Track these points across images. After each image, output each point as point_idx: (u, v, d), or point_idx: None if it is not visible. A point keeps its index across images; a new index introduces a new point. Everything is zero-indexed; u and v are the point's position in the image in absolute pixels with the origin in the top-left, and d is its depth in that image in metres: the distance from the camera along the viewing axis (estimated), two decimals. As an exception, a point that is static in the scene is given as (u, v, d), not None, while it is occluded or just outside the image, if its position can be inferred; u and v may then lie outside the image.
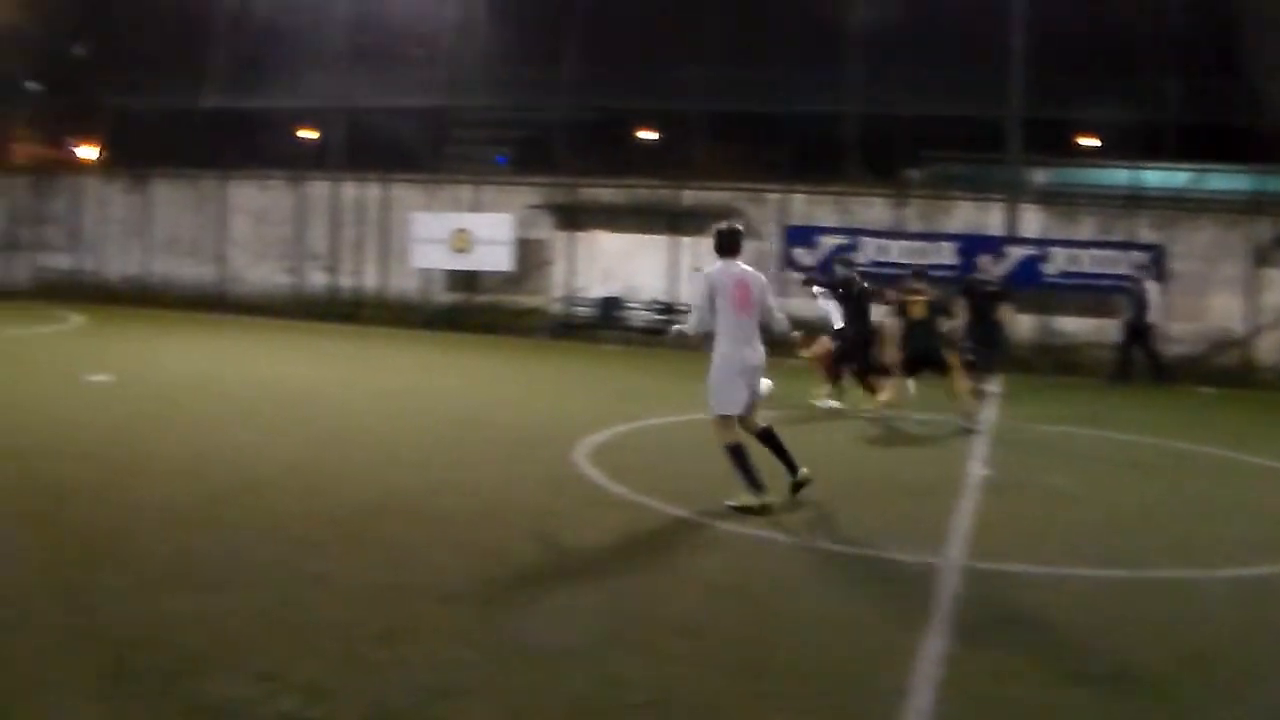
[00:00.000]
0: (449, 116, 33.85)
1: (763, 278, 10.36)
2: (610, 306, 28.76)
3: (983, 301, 19.98)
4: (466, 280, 30.34)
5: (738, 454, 9.94)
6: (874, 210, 27.99)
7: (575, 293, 29.48)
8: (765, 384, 10.44)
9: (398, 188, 31.85)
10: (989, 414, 17.31)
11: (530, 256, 29.81)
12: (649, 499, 9.96)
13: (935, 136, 29.15)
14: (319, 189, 32.40)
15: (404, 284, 31.19)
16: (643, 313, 28.51)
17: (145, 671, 5.78)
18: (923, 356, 15.73)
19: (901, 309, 15.94)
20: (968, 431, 15.21)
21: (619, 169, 31.75)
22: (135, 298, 33.06)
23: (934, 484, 11.73)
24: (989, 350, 19.72)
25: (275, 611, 6.72)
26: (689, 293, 27.38)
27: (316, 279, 32.25)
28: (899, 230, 27.21)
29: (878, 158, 28.96)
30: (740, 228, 10.42)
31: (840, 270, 18.29)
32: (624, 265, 29.06)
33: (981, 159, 29.50)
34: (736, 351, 9.94)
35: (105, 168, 37.59)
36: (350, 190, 31.96)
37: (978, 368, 19.56)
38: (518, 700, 5.68)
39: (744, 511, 9.69)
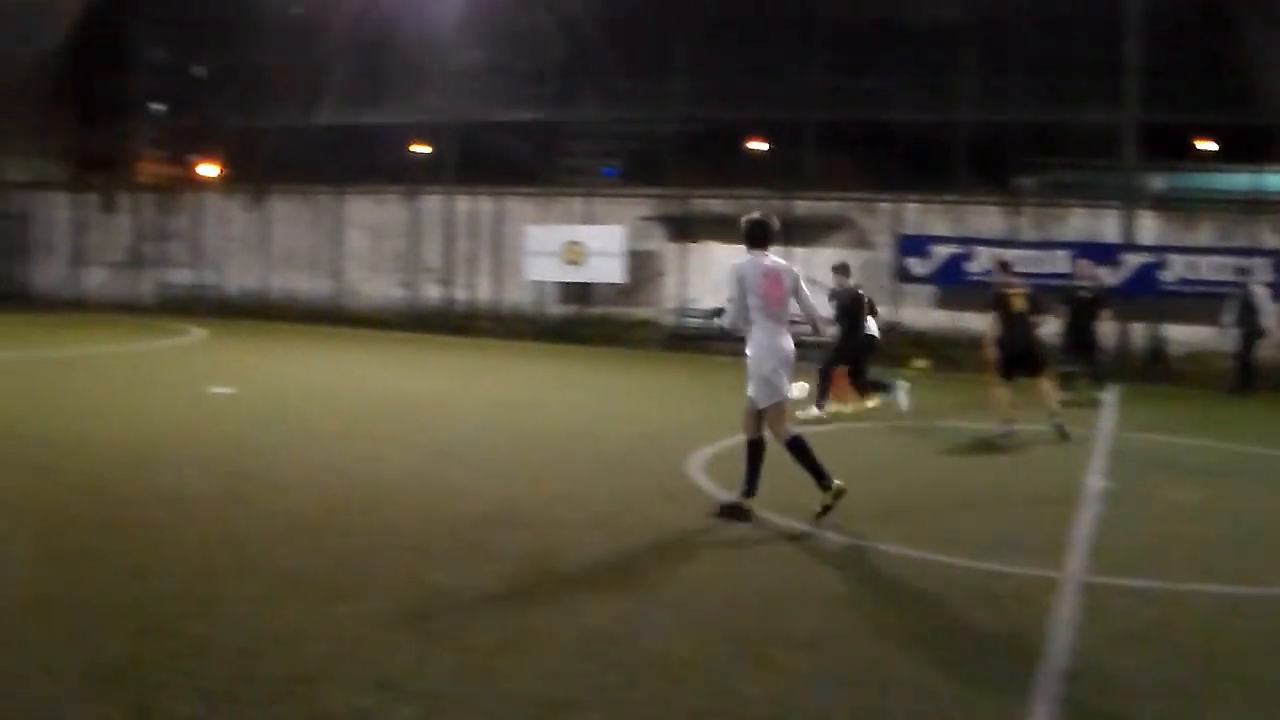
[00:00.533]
0: (560, 129, 34.00)
1: (794, 270, 10.25)
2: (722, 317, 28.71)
3: (1079, 308, 19.79)
4: (579, 292, 30.49)
5: (799, 447, 9.80)
6: (987, 219, 27.70)
7: (687, 304, 29.47)
8: (798, 386, 10.34)
9: (510, 201, 32.09)
10: (1105, 423, 17.06)
11: (642, 268, 29.87)
12: (765, 512, 9.90)
13: (1049, 143, 28.80)
14: (433, 203, 32.73)
15: (517, 296, 31.41)
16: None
17: (266, 679, 5.87)
18: (1021, 356, 15.32)
19: (1000, 302, 15.56)
20: (1062, 437, 14.97)
21: (730, 179, 31.70)
22: (255, 312, 33.61)
23: (1051, 495, 11.55)
24: (1084, 357, 19.52)
25: (394, 621, 6.78)
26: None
27: (430, 292, 32.57)
28: (1012, 239, 26.86)
29: (990, 165, 28.66)
30: (768, 219, 10.26)
31: (838, 279, 18.06)
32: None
33: (1096, 165, 29.07)
34: (772, 342, 9.87)
35: (226, 185, 38.30)
36: (463, 204, 32.25)
37: (1077, 375, 19.40)
38: (635, 712, 5.69)
39: (829, 509, 9.67)
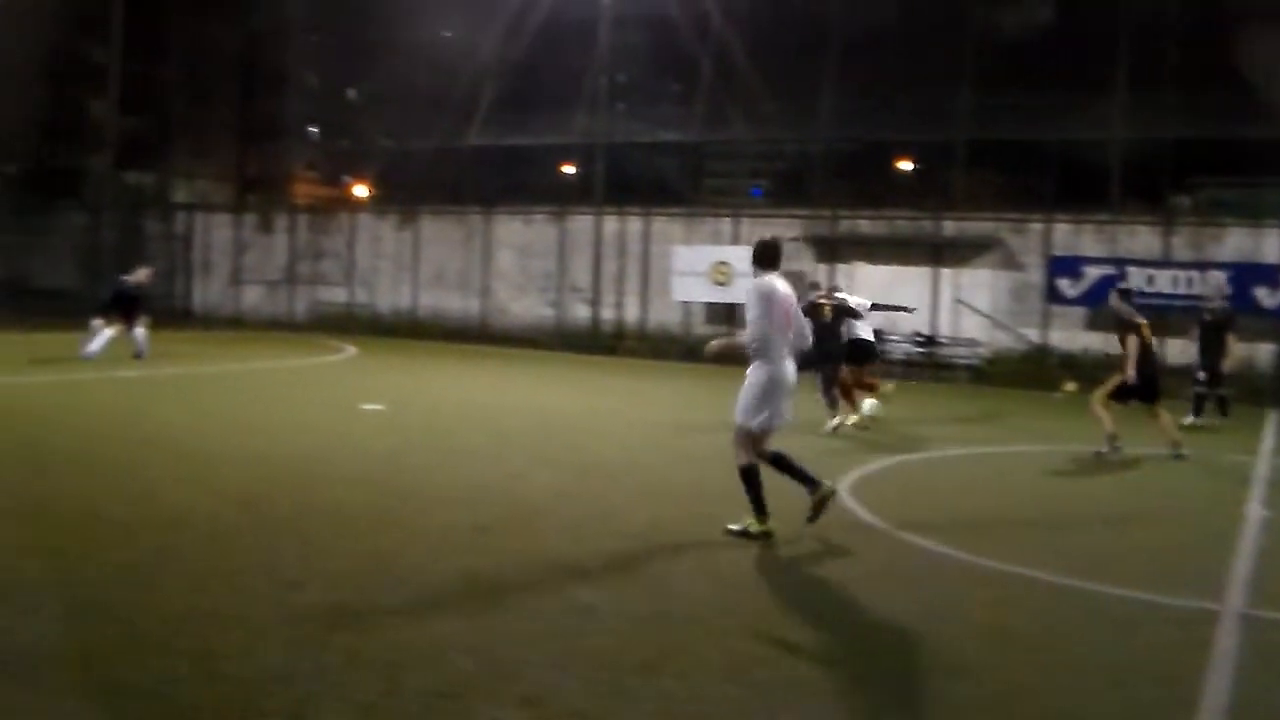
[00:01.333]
0: (707, 150, 34.06)
1: (794, 294, 9.99)
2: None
3: (1205, 330, 19.41)
4: (725, 313, 30.47)
5: (751, 475, 9.70)
6: (1140, 239, 27.12)
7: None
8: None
9: (658, 221, 32.21)
10: (1265, 449, 16.62)
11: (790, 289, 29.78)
12: (911, 535, 9.81)
13: (1204, 161, 28.19)
14: (581, 223, 32.98)
15: (664, 316, 31.49)
16: (904, 345, 28.19)
17: (414, 693, 5.94)
18: (1148, 383, 15.22)
19: (1138, 330, 15.30)
20: (1178, 458, 14.81)
21: (877, 199, 31.51)
22: (405, 330, 34.15)
23: (1209, 524, 11.28)
24: (1211, 381, 19.14)
25: (542, 638, 6.83)
26: (951, 324, 27.04)
27: (578, 312, 32.81)
28: (1166, 260, 26.29)
29: (1143, 184, 28.12)
30: (780, 241, 10.19)
31: (811, 294, 17.74)
32: (885, 297, 28.77)
33: (1255, 183, 28.37)
34: (779, 367, 9.69)
35: (377, 205, 38.99)
36: (612, 224, 32.43)
37: (1207, 399, 19.04)
38: (781, 735, 5.66)
39: (744, 536, 9.59)
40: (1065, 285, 26.49)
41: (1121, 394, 15.33)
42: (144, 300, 23.53)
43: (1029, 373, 25.76)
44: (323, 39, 43.37)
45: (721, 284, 29.41)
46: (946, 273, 28.03)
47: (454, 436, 15.10)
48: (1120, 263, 26.06)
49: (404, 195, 38.13)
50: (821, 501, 9.73)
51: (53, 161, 48.80)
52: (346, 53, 41.83)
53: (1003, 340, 27.84)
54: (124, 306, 23.02)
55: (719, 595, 7.93)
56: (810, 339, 10.36)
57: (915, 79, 28.96)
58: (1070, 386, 22.89)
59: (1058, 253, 27.29)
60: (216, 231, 40.51)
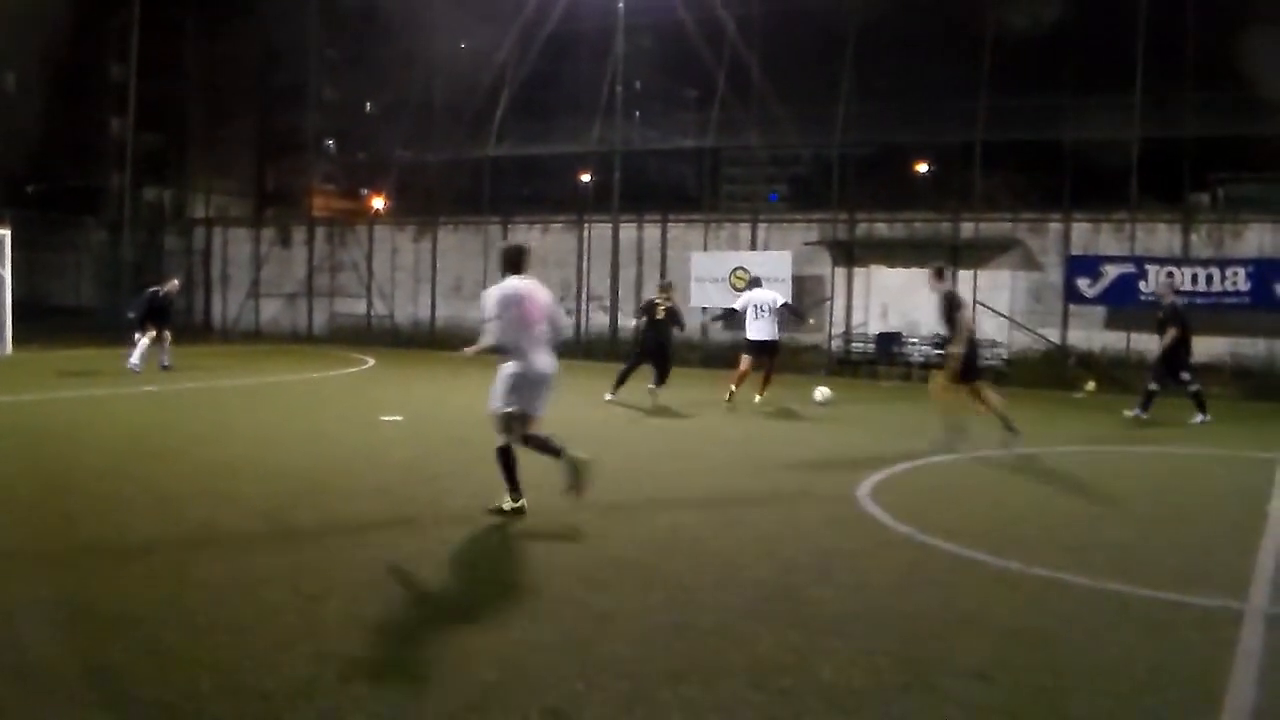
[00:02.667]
0: (723, 156, 34.05)
1: (548, 292, 11.09)
2: (889, 342, 28.48)
3: (1159, 329, 19.48)
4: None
5: (505, 456, 10.62)
6: (1159, 237, 27.04)
7: (853, 329, 29.28)
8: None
9: (675, 228, 32.23)
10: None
11: (808, 293, 29.75)
12: (935, 539, 9.77)
13: (1223, 157, 28.07)
14: (599, 231, 33.00)
15: (683, 323, 31.46)
16: (923, 348, 28.14)
17: (438, 705, 5.92)
18: (969, 362, 15.54)
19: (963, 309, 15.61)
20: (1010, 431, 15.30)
21: (896, 203, 31.49)
22: (423, 341, 34.22)
23: (1232, 522, 11.19)
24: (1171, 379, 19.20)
25: (563, 648, 6.81)
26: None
27: (597, 319, 32.81)
28: (1186, 257, 26.20)
29: (1162, 182, 28.04)
30: (526, 247, 11.34)
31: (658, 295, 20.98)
32: (902, 300, 28.76)
33: (1275, 179, 28.27)
34: (527, 362, 10.70)
35: (395, 217, 39.09)
36: (629, 231, 32.43)
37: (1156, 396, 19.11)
38: (805, 741, 5.63)
39: (500, 513, 10.38)
40: (1084, 285, 26.43)
41: (962, 377, 15.47)
42: (169, 312, 24.23)
43: (1049, 373, 25.68)
44: (340, 53, 43.53)
45: (740, 290, 29.37)
46: (965, 274, 27.96)
47: (473, 446, 15.05)
48: (1139, 261, 25.98)
49: (421, 206, 38.26)
50: (574, 472, 10.50)
51: (72, 179, 49.09)
52: (363, 66, 41.99)
53: (1022, 341, 27.78)
54: (156, 317, 24.12)
55: (742, 602, 7.89)
56: (564, 331, 11.50)
57: (931, 81, 28.93)
58: (1090, 386, 22.87)
59: (1076, 252, 27.24)
60: (235, 246, 40.67)
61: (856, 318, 29.44)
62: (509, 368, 10.73)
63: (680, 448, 15.47)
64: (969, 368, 15.44)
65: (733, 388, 20.45)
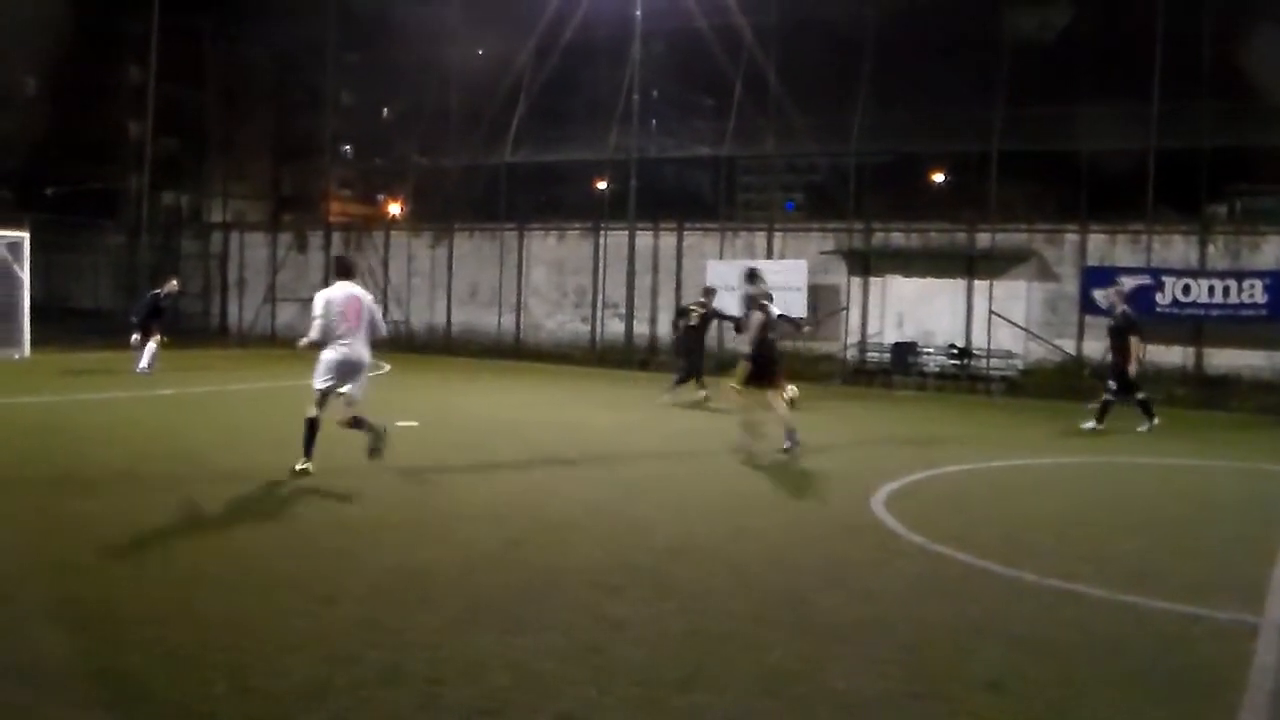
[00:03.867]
0: (739, 164, 34.04)
1: (369, 296, 13.18)
2: (904, 352, 28.45)
3: (1111, 338, 19.48)
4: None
5: (310, 426, 12.69)
6: (1175, 249, 26.96)
7: (869, 338, 29.26)
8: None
9: (691, 236, 32.22)
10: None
11: (824, 302, 29.74)
12: (947, 548, 9.76)
13: (1240, 169, 28.00)
14: (615, 238, 33.00)
15: (698, 331, 31.44)
16: (938, 358, 28.11)
17: (451, 710, 5.94)
18: (765, 366, 15.67)
19: (764, 309, 15.81)
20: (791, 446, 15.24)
21: (912, 212, 31.46)
22: (439, 346, 34.27)
23: (1247, 534, 11.16)
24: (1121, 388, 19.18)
25: (577, 654, 6.82)
26: (985, 336, 26.92)
27: (612, 327, 32.82)
28: (1203, 269, 26.12)
29: (1179, 193, 27.96)
30: (353, 260, 15.29)
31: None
32: (918, 310, 28.74)
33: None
34: (340, 352, 12.57)
35: (411, 223, 39.15)
36: (645, 239, 32.43)
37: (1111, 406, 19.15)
38: (816, 749, 5.63)
39: (292, 474, 12.29)
40: (1100, 296, 26.33)
41: (751, 379, 15.55)
42: (168, 313, 24.63)
43: (1064, 384, 25.63)
44: (357, 58, 43.62)
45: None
46: (980, 285, 27.95)
47: (487, 452, 15.13)
48: (1156, 273, 25.92)
49: (438, 212, 38.31)
50: (376, 438, 12.76)
51: (91, 183, 49.25)
52: (380, 71, 42.07)
53: (1037, 352, 27.74)
54: (158, 318, 24.63)
55: (752, 612, 7.88)
56: (382, 330, 13.37)
57: (948, 90, 28.90)
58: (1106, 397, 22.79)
59: (1092, 263, 27.18)
60: (252, 250, 40.77)
61: (872, 327, 29.41)
62: (328, 354, 12.61)
63: (691, 455, 15.47)
64: (761, 371, 15.50)
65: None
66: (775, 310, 16.20)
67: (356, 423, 12.81)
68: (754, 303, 16.04)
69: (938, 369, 27.86)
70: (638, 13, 31.67)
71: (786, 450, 15.06)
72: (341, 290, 12.82)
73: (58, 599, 7.66)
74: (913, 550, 9.86)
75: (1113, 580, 8.94)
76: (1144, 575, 9.26)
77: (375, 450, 12.72)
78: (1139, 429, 19.06)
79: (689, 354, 21.87)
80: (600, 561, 9.12)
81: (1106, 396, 19.43)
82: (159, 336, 24.27)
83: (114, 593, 7.88)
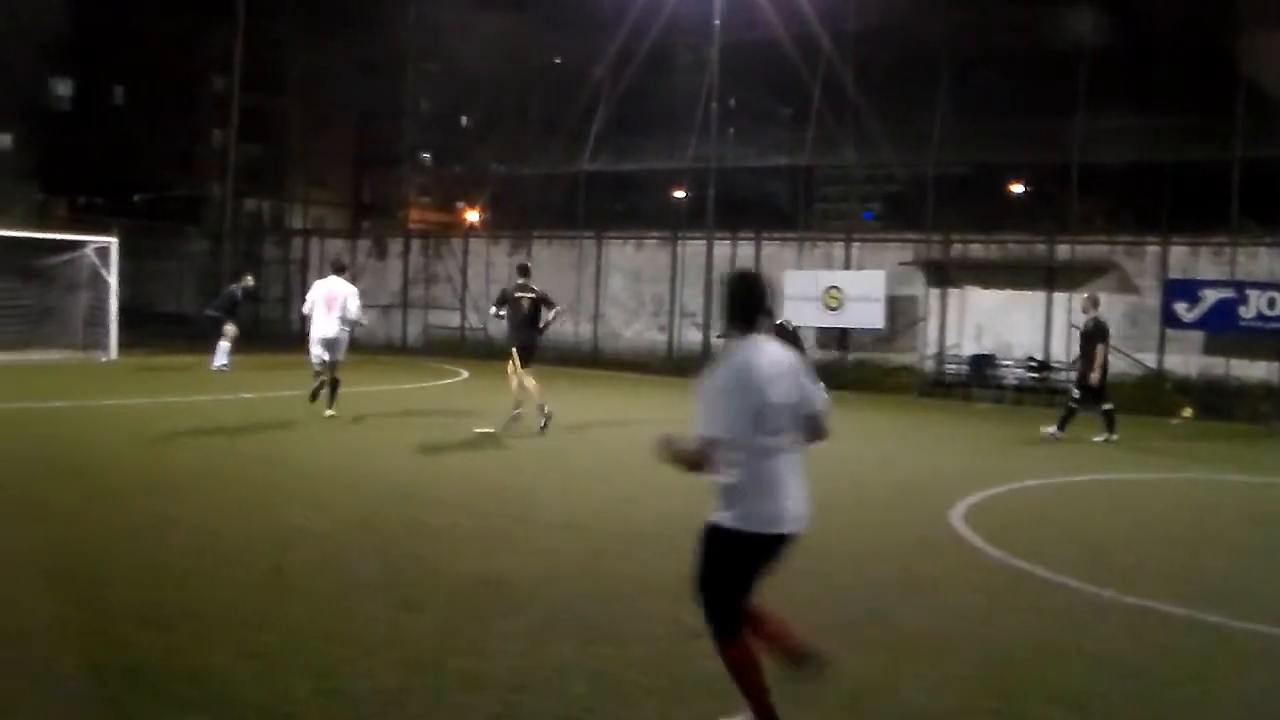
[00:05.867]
0: (817, 174, 33.93)
1: (350, 289, 18.47)
2: (982, 364, 28.25)
3: (1081, 345, 19.38)
4: (837, 337, 30.35)
5: (334, 386, 18.28)
6: (1260, 261, 26.56)
7: (947, 350, 29.09)
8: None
9: (769, 245, 32.17)
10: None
11: (902, 314, 29.61)
12: (1028, 563, 9.70)
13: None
14: (693, 247, 32.99)
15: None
16: (1017, 370, 27.89)
17: (533, 716, 6.00)
18: (525, 346, 18.61)
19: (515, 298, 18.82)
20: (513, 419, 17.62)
21: (991, 223, 31.24)
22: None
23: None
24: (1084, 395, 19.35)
25: (655, 663, 6.85)
26: (1064, 349, 26.67)
27: (690, 336, 32.82)
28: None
29: (1264, 204, 27.54)
30: (345, 262, 21.00)
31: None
32: (997, 322, 28.52)
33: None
34: (319, 328, 18.06)
35: (489, 230, 39.35)
36: (723, 248, 32.41)
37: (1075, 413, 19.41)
38: (895, 763, 5.62)
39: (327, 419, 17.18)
40: (1182, 309, 25.99)
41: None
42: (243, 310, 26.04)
43: (1145, 398, 25.34)
44: (437, 66, 43.96)
45: (833, 308, 29.30)
46: (1060, 297, 27.67)
47: (566, 460, 15.20)
48: (1240, 286, 25.55)
49: (516, 220, 38.50)
50: (331, 398, 18.22)
51: (176, 190, 49.99)
52: (459, 79, 42.36)
53: (1117, 365, 27.42)
54: (235, 314, 26.52)
55: (833, 621, 7.87)
56: (352, 314, 18.30)
57: (1027, 100, 28.68)
58: (1187, 412, 22.55)
59: (1174, 276, 26.85)
60: (332, 256, 41.14)
61: (950, 339, 29.22)
62: (312, 332, 18.19)
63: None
64: (526, 352, 18.35)
65: None
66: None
67: (334, 382, 18.28)
68: (541, 295, 19.21)
69: (1016, 382, 27.62)
70: (716, 21, 31.65)
71: (500, 424, 17.64)
72: (327, 283, 18.53)
73: (147, 601, 7.79)
74: (992, 565, 9.81)
75: (1195, 599, 8.84)
76: (1227, 595, 9.15)
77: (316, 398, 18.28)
78: (1095, 439, 18.92)
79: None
80: (680, 572, 9.03)
81: (1070, 404, 19.41)
82: (234, 331, 24.98)
83: (199, 594, 8.01)
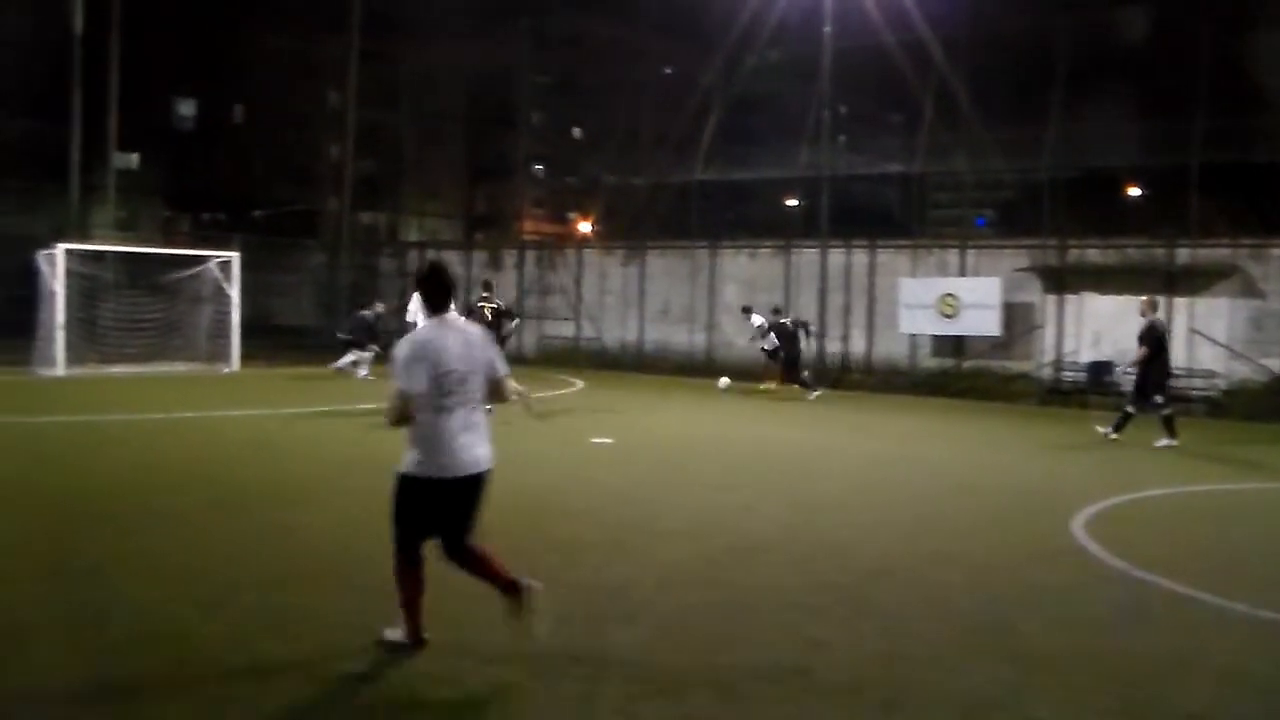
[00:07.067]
0: (930, 180, 33.70)
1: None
2: (1101, 371, 27.85)
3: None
4: (953, 345, 30.11)
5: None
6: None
7: (1064, 357, 28.73)
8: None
9: (883, 253, 31.98)
10: None
11: (1018, 321, 29.29)
12: (1152, 575, 9.56)
13: None
14: (806, 256, 32.91)
15: (890, 349, 31.21)
16: (1134, 376, 27.44)
17: (654, 724, 6.07)
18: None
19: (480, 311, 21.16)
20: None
21: (1108, 228, 30.81)
22: (631, 363, 34.55)
23: None
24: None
25: (777, 674, 6.87)
26: (1186, 355, 26.24)
27: (804, 345, 32.72)
28: None
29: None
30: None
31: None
32: (1115, 328, 28.08)
33: None
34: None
35: (603, 241, 39.55)
36: (837, 257, 32.29)
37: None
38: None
39: None
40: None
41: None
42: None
43: (1271, 405, 24.84)
44: (549, 78, 44.33)
45: (949, 316, 29.08)
46: (1181, 302, 27.20)
47: (682, 469, 15.24)
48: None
49: (628, 230, 38.65)
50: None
51: (294, 204, 50.88)
52: (571, 91, 42.67)
53: (1241, 371, 26.91)
54: (373, 337, 27.75)
55: (954, 634, 7.86)
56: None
57: (1145, 103, 28.28)
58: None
59: (1302, 279, 26.30)
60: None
61: (1067, 346, 28.85)
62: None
63: (887, 475, 15.38)
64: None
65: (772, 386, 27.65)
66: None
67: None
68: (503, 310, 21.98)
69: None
70: (827, 28, 31.60)
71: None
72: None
73: (272, 607, 7.98)
74: (1115, 576, 9.69)
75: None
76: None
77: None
78: (1157, 443, 18.80)
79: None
80: (799, 581, 9.15)
81: (1164, 412, 19.14)
82: (376, 349, 26.28)
83: (324, 602, 8.18)
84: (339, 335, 28.80)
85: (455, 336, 7.20)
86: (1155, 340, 19.20)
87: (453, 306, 7.50)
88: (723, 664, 7.03)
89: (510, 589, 7.03)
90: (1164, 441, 18.73)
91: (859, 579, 9.31)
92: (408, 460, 7.14)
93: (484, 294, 22.50)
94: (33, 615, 7.72)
